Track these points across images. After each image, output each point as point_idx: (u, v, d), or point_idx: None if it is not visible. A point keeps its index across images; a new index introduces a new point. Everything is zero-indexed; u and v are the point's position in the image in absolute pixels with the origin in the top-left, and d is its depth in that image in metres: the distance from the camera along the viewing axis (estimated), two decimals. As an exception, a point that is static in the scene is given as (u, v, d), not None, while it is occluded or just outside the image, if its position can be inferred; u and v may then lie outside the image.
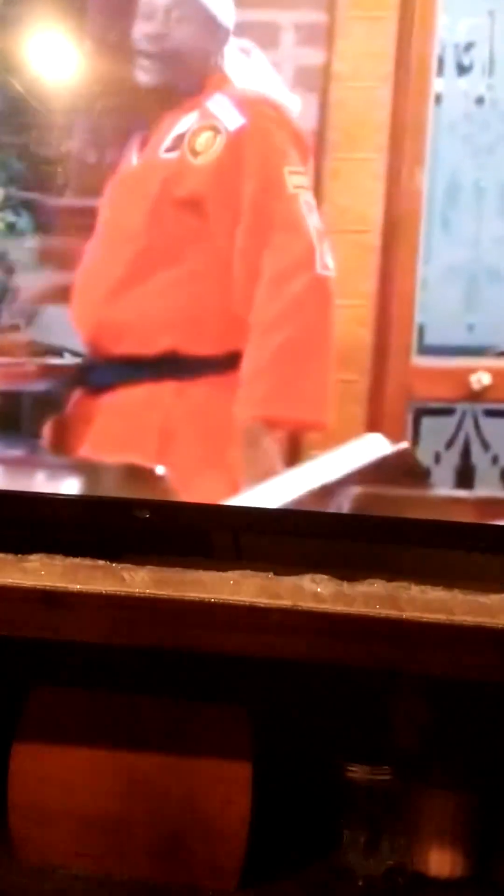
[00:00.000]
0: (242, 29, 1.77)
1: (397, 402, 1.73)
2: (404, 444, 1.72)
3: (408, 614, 1.53)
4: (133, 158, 1.81)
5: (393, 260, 1.74)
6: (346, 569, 1.62)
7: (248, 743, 1.65)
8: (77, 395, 1.81)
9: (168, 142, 1.79)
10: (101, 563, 1.64)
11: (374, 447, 1.72)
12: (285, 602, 1.55)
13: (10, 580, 1.60)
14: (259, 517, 1.74)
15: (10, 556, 1.65)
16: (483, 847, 1.67)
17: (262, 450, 1.73)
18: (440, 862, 1.66)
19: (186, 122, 1.79)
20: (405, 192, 1.74)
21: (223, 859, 1.64)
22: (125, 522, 1.75)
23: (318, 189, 1.75)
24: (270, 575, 1.61)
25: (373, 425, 1.73)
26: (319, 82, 1.75)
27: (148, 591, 1.58)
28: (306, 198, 1.74)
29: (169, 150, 1.79)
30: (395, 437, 1.73)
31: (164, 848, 1.65)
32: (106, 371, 1.80)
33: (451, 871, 1.66)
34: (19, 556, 1.65)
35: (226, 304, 1.76)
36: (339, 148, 1.75)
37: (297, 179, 1.75)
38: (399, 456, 1.72)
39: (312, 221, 1.73)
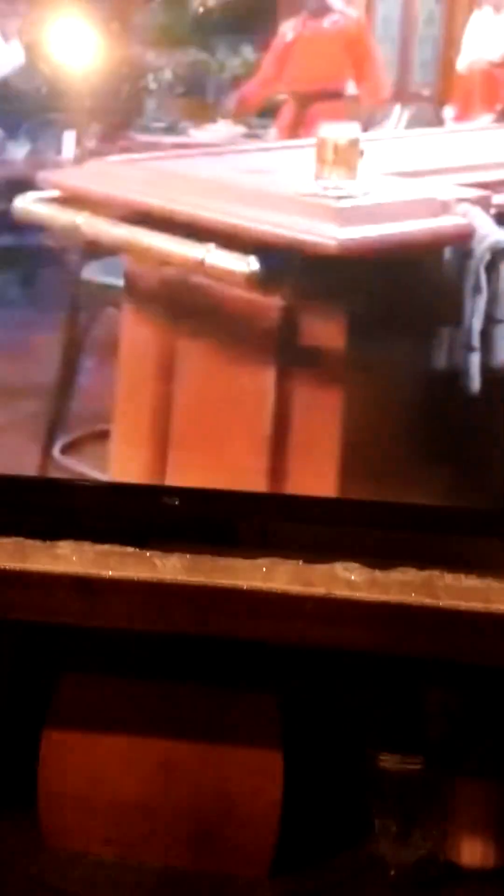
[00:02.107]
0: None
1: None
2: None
3: (444, 602, 1.52)
4: None
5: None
6: (372, 556, 1.60)
7: (279, 731, 1.64)
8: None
9: None
10: (130, 549, 1.63)
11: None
12: (319, 590, 1.54)
13: (42, 566, 1.60)
14: (288, 504, 1.73)
15: (39, 543, 1.65)
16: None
17: None
18: (472, 852, 1.65)
19: None
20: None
21: (254, 847, 1.63)
22: (153, 509, 1.74)
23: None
24: (301, 562, 1.60)
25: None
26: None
27: (180, 577, 1.57)
28: None
29: None
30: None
31: (195, 835, 1.65)
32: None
33: (484, 860, 1.65)
34: (49, 542, 1.64)
35: None
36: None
37: None
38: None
39: None
